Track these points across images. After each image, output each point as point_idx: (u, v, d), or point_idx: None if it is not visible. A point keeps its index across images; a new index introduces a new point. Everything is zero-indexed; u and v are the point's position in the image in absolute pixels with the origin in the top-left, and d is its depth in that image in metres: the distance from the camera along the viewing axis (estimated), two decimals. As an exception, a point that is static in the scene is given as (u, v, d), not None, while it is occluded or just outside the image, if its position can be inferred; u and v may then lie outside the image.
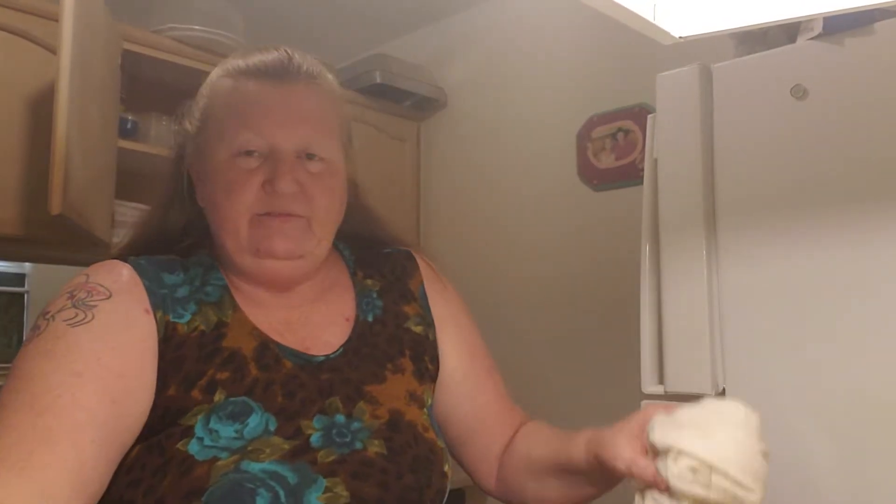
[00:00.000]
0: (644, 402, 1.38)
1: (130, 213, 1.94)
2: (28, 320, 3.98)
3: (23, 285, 4.12)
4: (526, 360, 2.25)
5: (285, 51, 0.85)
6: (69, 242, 1.78)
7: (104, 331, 0.72)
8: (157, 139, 2.11)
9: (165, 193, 0.89)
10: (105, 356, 0.71)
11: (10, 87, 1.76)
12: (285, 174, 0.79)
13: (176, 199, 0.88)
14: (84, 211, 1.58)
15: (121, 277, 0.77)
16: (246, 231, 0.79)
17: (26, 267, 4.06)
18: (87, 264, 0.80)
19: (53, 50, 1.54)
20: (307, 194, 0.80)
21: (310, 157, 0.82)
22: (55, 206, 1.44)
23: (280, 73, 0.83)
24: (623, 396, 1.67)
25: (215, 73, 0.86)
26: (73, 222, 1.52)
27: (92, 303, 0.73)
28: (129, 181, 1.95)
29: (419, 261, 0.99)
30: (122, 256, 0.82)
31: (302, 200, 0.80)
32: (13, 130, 1.76)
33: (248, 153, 0.80)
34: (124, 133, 1.97)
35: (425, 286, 0.96)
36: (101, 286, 0.75)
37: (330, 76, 0.89)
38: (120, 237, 1.86)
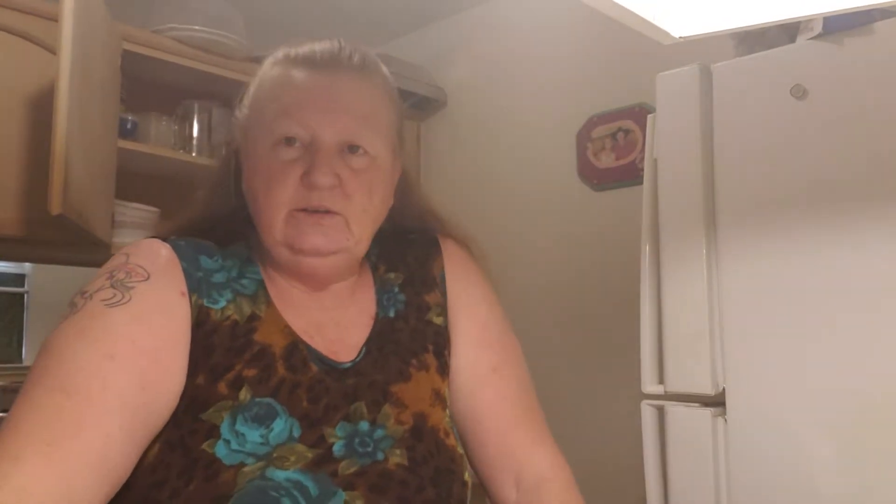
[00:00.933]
0: (644, 402, 1.38)
1: (130, 213, 1.94)
2: (28, 320, 3.98)
3: (23, 285, 4.13)
4: (525, 359, 2.24)
5: (338, 41, 0.83)
6: (69, 242, 1.78)
7: (140, 313, 0.71)
8: (157, 139, 2.11)
9: (214, 180, 0.88)
10: (139, 339, 0.70)
11: (10, 87, 1.76)
12: (323, 166, 0.76)
13: (222, 187, 0.86)
14: (84, 211, 1.58)
15: (159, 258, 0.76)
16: (281, 227, 0.77)
17: (26, 267, 4.06)
18: (87, 264, 0.80)
19: (53, 50, 1.54)
20: (345, 190, 0.77)
21: (353, 149, 0.79)
22: (55, 206, 1.44)
23: (328, 62, 0.80)
24: (623, 396, 1.67)
25: (266, 62, 0.84)
26: (73, 222, 1.52)
27: (130, 284, 0.73)
28: (129, 181, 1.95)
29: (444, 245, 0.94)
30: (162, 236, 0.81)
31: (339, 196, 0.77)
32: (13, 130, 1.76)
33: (289, 141, 0.77)
34: (124, 133, 1.97)
35: (446, 271, 0.92)
36: (141, 267, 0.75)
37: (385, 71, 0.86)
38: (120, 237, 1.86)
